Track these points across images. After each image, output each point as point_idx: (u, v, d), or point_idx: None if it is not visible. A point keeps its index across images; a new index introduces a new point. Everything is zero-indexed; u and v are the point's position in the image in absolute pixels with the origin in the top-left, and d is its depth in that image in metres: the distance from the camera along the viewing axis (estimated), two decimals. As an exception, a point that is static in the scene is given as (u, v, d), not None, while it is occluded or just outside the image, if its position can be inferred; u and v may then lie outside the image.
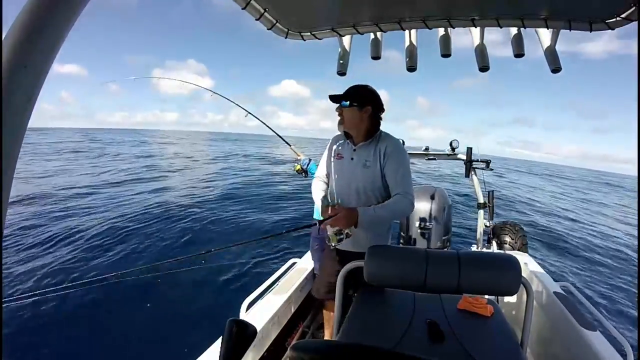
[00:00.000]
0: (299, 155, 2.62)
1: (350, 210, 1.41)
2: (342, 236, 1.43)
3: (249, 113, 3.00)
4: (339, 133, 1.69)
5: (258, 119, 3.01)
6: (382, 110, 1.59)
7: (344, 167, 1.62)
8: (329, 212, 1.46)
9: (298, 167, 2.54)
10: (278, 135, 2.90)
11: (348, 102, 1.53)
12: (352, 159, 1.59)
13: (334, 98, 1.56)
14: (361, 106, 1.53)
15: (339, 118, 1.59)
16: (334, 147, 1.70)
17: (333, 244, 1.45)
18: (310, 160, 2.51)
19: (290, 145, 2.79)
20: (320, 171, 1.78)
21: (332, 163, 1.68)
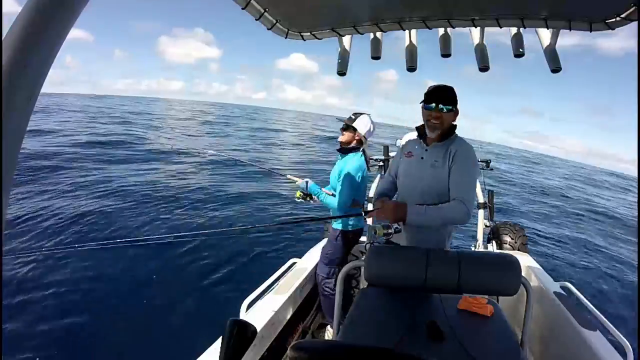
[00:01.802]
0: (296, 181, 2.42)
1: (397, 204, 1.40)
2: (390, 230, 1.40)
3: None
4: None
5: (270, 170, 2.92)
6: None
7: (412, 165, 1.59)
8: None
9: (299, 193, 2.35)
10: (272, 170, 2.83)
11: (451, 107, 1.46)
12: (422, 158, 1.55)
13: (440, 98, 1.45)
14: (454, 109, 1.49)
15: (434, 122, 1.47)
16: (407, 147, 1.68)
17: (379, 238, 1.43)
18: (307, 182, 2.30)
19: (285, 176, 2.61)
20: (390, 170, 1.77)
21: (402, 161, 1.66)
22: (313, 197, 2.31)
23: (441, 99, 1.44)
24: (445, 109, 1.44)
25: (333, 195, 2.25)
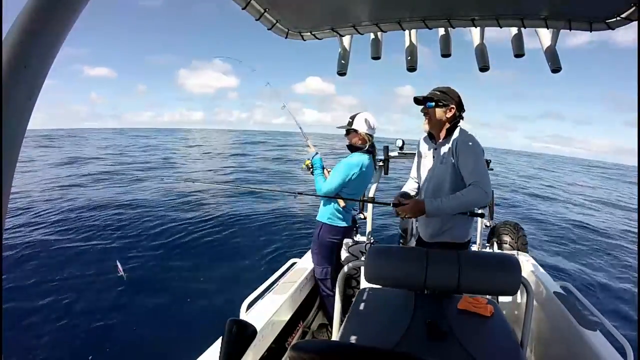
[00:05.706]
0: (310, 149, 2.41)
1: (416, 202, 1.54)
2: None
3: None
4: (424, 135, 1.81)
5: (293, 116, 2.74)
6: (464, 110, 1.66)
7: (425, 165, 1.75)
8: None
9: (308, 162, 2.31)
10: (300, 128, 2.67)
11: (434, 103, 1.61)
12: (433, 157, 1.70)
13: (419, 100, 1.65)
14: (446, 106, 1.61)
15: (424, 119, 1.68)
16: (421, 147, 1.83)
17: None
18: (317, 153, 2.30)
19: (307, 139, 2.55)
20: (412, 172, 1.92)
21: (418, 162, 1.83)
22: (312, 169, 2.27)
23: (424, 100, 1.65)
24: (429, 105, 1.63)
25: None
